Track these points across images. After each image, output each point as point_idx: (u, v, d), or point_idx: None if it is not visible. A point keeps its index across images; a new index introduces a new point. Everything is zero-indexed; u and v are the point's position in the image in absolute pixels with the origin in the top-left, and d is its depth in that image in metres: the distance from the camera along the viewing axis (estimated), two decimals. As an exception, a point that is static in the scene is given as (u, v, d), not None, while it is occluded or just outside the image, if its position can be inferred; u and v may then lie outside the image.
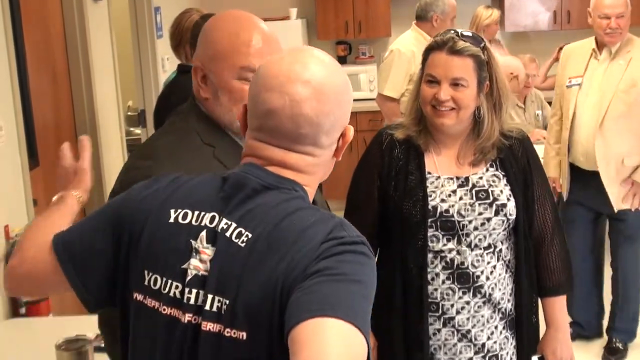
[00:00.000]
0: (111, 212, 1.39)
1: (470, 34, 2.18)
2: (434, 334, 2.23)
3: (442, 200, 2.17)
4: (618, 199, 3.81)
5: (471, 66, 2.13)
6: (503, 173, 2.21)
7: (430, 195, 2.18)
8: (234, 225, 1.25)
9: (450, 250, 2.18)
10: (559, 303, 2.33)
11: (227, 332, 1.21)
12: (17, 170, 3.04)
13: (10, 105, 3.00)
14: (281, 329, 1.16)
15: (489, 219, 2.16)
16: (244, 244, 1.23)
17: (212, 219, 1.28)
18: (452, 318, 2.21)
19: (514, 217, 2.19)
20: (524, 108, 5.58)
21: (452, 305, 2.20)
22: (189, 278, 1.25)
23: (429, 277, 2.19)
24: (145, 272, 1.30)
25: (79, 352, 2.04)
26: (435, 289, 2.20)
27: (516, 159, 2.23)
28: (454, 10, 5.07)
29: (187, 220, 1.29)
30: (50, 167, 3.61)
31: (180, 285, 1.26)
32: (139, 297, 1.31)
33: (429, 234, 2.17)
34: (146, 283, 1.30)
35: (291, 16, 6.82)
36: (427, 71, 2.17)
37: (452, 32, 2.17)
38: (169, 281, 1.28)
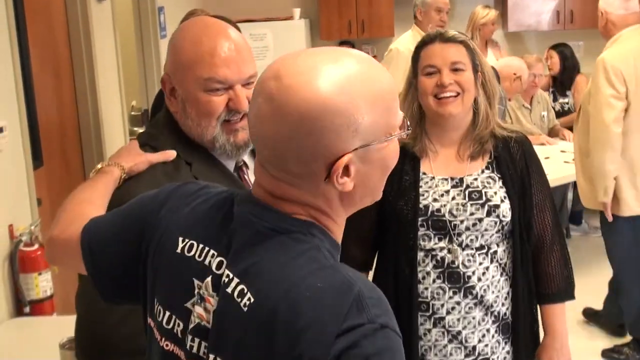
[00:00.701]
0: (134, 219, 1.31)
1: (454, 31, 2.24)
2: (425, 335, 2.22)
3: (434, 200, 2.17)
4: None
5: (464, 52, 2.16)
6: (499, 175, 2.20)
7: (423, 195, 2.18)
8: (236, 280, 1.11)
9: (442, 249, 2.17)
10: (558, 311, 2.28)
11: None
12: (21, 170, 3.05)
13: (14, 105, 3.00)
14: None
15: (480, 220, 2.15)
16: (246, 307, 1.08)
17: (220, 264, 1.15)
18: (443, 318, 2.20)
19: (508, 219, 2.17)
20: (530, 109, 5.57)
21: (442, 305, 2.19)
22: (192, 325, 1.16)
23: (420, 276, 2.19)
24: (155, 300, 1.23)
25: (82, 351, 2.04)
26: (426, 288, 2.19)
27: (513, 161, 2.21)
28: (438, 2, 5.05)
29: (192, 253, 1.18)
30: (54, 167, 3.63)
31: (181, 324, 1.18)
32: (151, 323, 1.25)
33: (421, 232, 2.17)
34: (155, 312, 1.23)
35: (295, 16, 6.83)
36: (424, 64, 2.18)
37: (436, 30, 2.24)
38: (173, 316, 1.19)
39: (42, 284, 2.84)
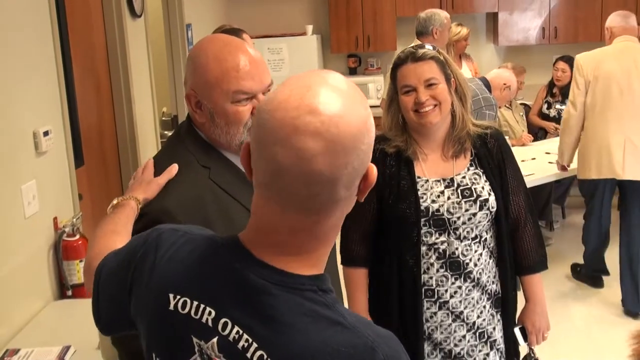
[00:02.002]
0: (128, 260, 1.19)
1: (423, 45, 2.24)
2: (431, 317, 2.25)
3: (433, 201, 2.19)
4: None
5: (435, 67, 2.16)
6: (482, 170, 2.23)
7: (422, 197, 2.19)
8: (255, 345, 0.99)
9: (442, 243, 2.20)
10: (536, 280, 2.35)
11: None
12: (65, 168, 3.06)
13: (58, 112, 3.01)
14: None
15: (475, 214, 2.19)
16: None
17: (225, 325, 1.02)
18: (447, 302, 2.23)
19: (495, 209, 2.21)
20: (511, 109, 5.65)
21: (446, 291, 2.22)
22: None
23: (425, 267, 2.21)
24: (154, 355, 1.11)
25: (118, 330, 2.05)
26: (431, 277, 2.22)
27: (491, 155, 2.25)
28: (450, 22, 5.07)
29: (186, 311, 1.05)
30: (94, 166, 3.64)
31: None
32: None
33: (423, 230, 2.20)
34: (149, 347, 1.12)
35: (307, 32, 6.82)
36: (401, 84, 2.19)
37: (409, 47, 2.23)
38: None
39: (82, 270, 2.84)
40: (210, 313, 1.03)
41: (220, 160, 1.67)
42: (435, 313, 2.24)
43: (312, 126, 0.95)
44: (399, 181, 2.23)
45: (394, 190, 2.22)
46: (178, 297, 1.06)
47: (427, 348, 2.26)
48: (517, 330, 2.34)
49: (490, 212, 2.20)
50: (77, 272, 2.83)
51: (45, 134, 2.82)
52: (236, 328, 1.00)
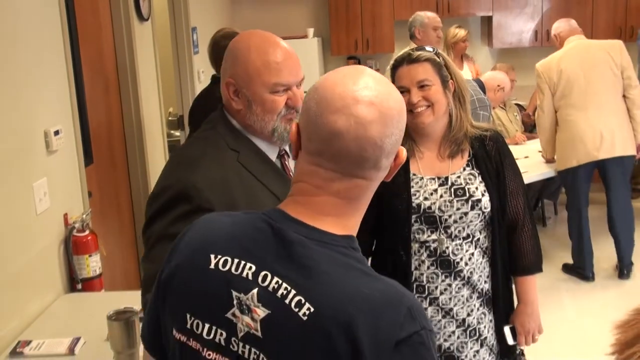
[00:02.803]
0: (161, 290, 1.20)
1: (423, 47, 2.22)
2: None
3: (425, 199, 2.17)
4: None
5: (430, 68, 2.14)
6: (478, 171, 2.20)
7: (415, 194, 2.18)
8: (293, 292, 1.04)
9: (434, 241, 2.17)
10: (530, 281, 2.31)
11: None
12: (75, 166, 3.06)
13: (68, 112, 3.01)
14: None
15: (466, 213, 2.15)
16: (306, 317, 1.02)
17: (265, 277, 1.07)
18: (437, 298, 2.21)
19: (488, 209, 2.17)
20: (505, 109, 5.64)
21: (436, 287, 2.20)
22: (241, 334, 1.07)
23: (417, 263, 2.20)
24: (187, 315, 1.13)
25: (126, 322, 2.05)
26: (422, 274, 2.20)
27: (489, 157, 2.21)
28: (434, 21, 5.02)
29: (227, 268, 1.09)
30: (103, 164, 3.64)
31: (224, 334, 1.09)
32: (182, 338, 1.14)
33: (415, 227, 2.18)
34: (188, 326, 1.13)
35: (308, 35, 6.82)
36: (397, 85, 2.17)
37: (408, 50, 2.23)
38: (213, 327, 1.10)
39: (92, 265, 2.85)
40: (250, 268, 1.08)
41: (250, 145, 1.72)
42: (425, 309, 2.22)
43: (368, 98, 1.09)
44: (394, 178, 2.21)
45: (388, 185, 2.21)
46: (219, 256, 1.11)
47: None
48: (507, 329, 2.29)
49: (483, 212, 2.17)
50: (87, 266, 2.84)
51: (56, 133, 2.83)
52: (275, 279, 1.05)
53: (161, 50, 4.50)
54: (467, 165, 2.21)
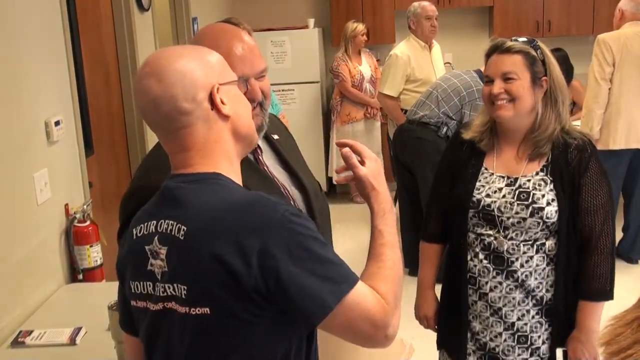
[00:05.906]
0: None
1: (523, 38, 2.13)
2: (472, 305, 2.21)
3: (487, 196, 2.12)
4: None
5: (520, 61, 2.06)
6: (551, 178, 2.08)
7: (479, 189, 2.13)
8: (172, 223, 1.24)
9: (489, 236, 2.13)
10: (592, 308, 2.11)
11: (193, 310, 1.22)
12: (75, 157, 3.06)
13: (69, 102, 3.01)
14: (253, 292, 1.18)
15: (524, 219, 2.07)
16: (182, 236, 1.22)
17: (160, 224, 1.27)
18: (486, 294, 2.16)
19: (553, 219, 2.06)
20: None
21: (486, 283, 2.16)
22: (159, 277, 1.26)
23: (472, 254, 2.16)
24: (131, 282, 1.33)
25: (127, 312, 2.06)
26: (475, 265, 2.16)
27: (568, 167, 2.07)
28: (427, 10, 5.07)
29: (142, 233, 1.30)
30: (103, 155, 3.64)
31: (151, 284, 1.28)
32: (134, 303, 1.34)
33: (474, 221, 2.14)
34: (133, 291, 1.32)
35: (309, 26, 6.80)
36: (485, 73, 2.12)
37: (505, 39, 2.14)
38: (142, 282, 1.30)
39: (93, 255, 2.85)
40: (153, 224, 1.28)
41: None
42: (475, 302, 2.19)
43: (143, 71, 1.29)
44: (467, 167, 2.18)
45: (458, 176, 2.18)
46: (138, 227, 1.31)
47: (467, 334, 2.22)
48: (559, 352, 2.17)
49: (545, 221, 2.05)
50: (88, 256, 2.84)
51: (57, 123, 2.82)
52: (167, 221, 1.25)
53: (162, 40, 4.49)
54: (542, 170, 2.10)
